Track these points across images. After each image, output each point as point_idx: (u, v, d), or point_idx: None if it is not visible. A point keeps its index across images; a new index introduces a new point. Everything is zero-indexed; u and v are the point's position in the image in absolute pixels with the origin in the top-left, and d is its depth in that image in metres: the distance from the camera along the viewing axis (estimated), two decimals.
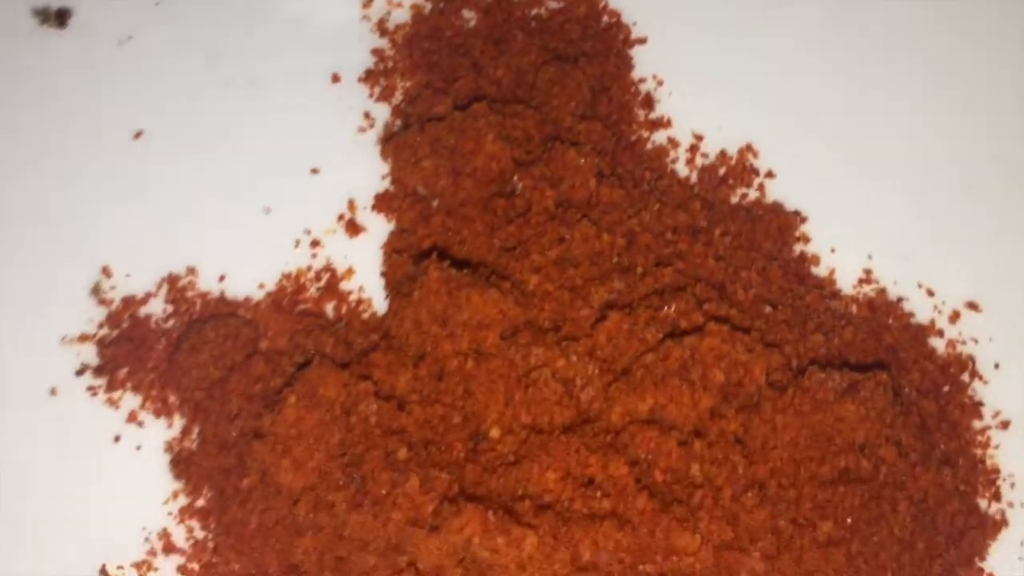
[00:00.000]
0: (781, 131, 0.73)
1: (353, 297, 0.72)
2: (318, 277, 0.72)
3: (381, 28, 0.76)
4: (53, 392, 0.69)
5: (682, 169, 0.74)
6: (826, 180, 0.73)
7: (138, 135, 0.72)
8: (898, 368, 0.68)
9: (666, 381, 0.64)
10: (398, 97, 0.75)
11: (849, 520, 0.64)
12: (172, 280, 0.72)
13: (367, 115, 0.74)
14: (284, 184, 0.73)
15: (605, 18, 0.77)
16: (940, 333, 0.71)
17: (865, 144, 0.73)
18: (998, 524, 0.68)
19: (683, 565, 0.62)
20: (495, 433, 0.65)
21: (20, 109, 0.72)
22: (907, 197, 0.72)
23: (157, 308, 0.71)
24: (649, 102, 0.75)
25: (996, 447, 0.69)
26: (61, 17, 0.73)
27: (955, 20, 0.76)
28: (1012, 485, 0.68)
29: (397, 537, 0.63)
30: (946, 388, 0.70)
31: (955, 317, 0.71)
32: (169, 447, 0.69)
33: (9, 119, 0.72)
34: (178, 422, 0.69)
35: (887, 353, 0.70)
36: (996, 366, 0.70)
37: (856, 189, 0.73)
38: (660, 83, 0.75)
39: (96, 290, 0.71)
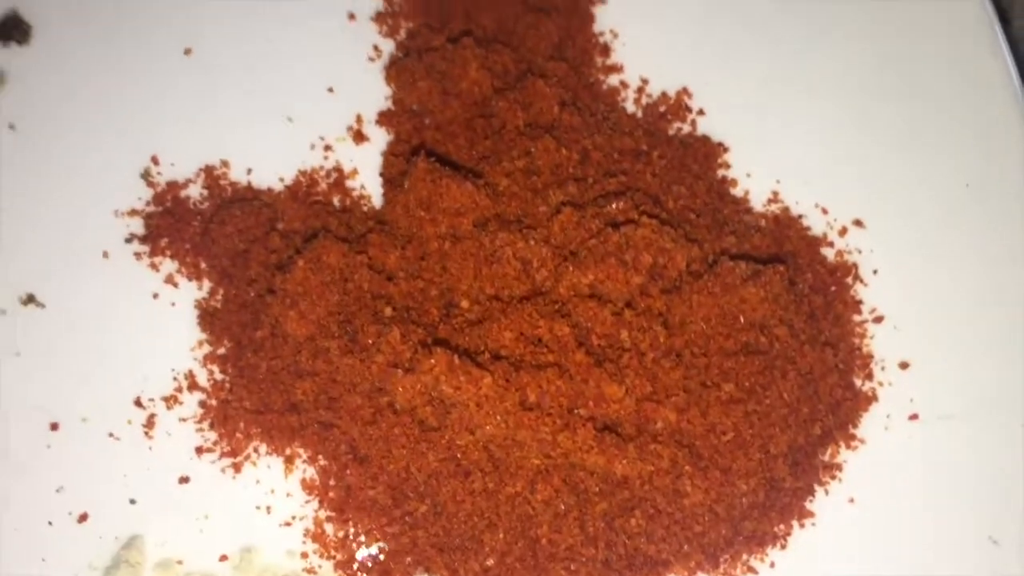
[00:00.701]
0: (712, 78, 0.72)
1: (356, 193, 0.70)
2: (328, 175, 0.70)
3: None
4: (106, 255, 0.68)
5: (630, 107, 0.72)
6: (747, 119, 0.71)
7: (188, 51, 0.71)
8: (795, 269, 0.67)
9: (604, 261, 0.63)
10: (402, 35, 0.73)
11: (747, 384, 0.64)
12: (208, 170, 0.70)
13: (376, 47, 0.73)
14: (305, 98, 0.72)
15: None
16: (831, 244, 0.70)
17: (779, 89, 0.72)
18: (869, 399, 0.67)
19: (610, 411, 0.62)
20: (465, 303, 0.65)
21: (93, 23, 0.71)
22: (811, 135, 0.71)
23: (195, 192, 0.70)
24: (606, 51, 0.74)
25: (871, 337, 0.68)
26: None
27: None
28: (883, 368, 0.67)
29: (379, 379, 0.63)
30: (833, 288, 0.69)
31: (843, 232, 0.70)
32: (198, 304, 0.68)
33: (85, 30, 0.71)
34: (206, 284, 0.68)
35: (787, 257, 0.68)
36: (874, 272, 0.69)
37: (771, 127, 0.72)
38: (616, 36, 0.74)
39: (146, 174, 0.70)
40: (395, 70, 0.71)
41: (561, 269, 0.64)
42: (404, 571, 0.64)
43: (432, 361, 0.60)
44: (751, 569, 0.64)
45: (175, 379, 0.66)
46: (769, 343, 0.64)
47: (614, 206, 0.65)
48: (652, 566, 0.64)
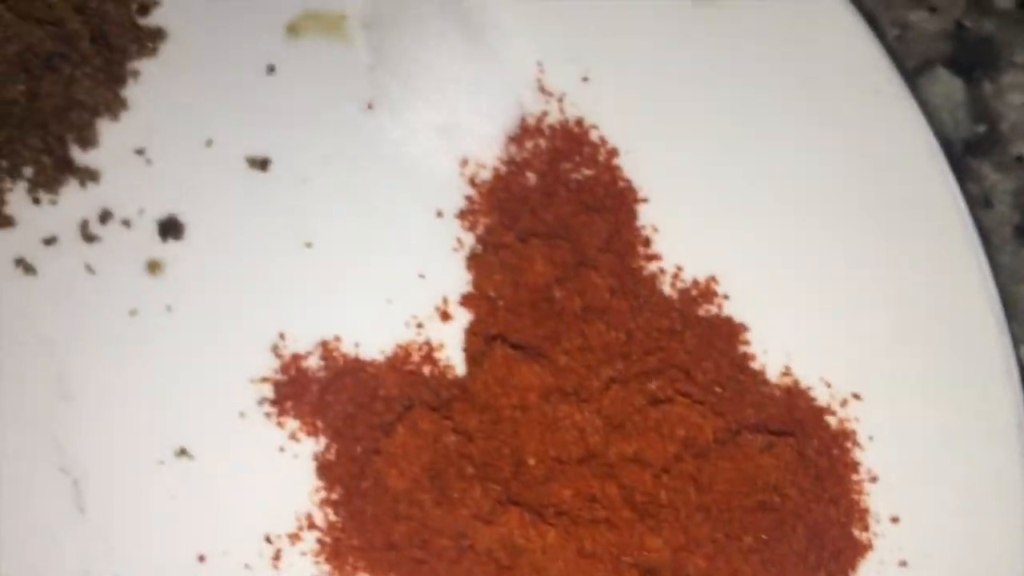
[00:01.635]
0: (736, 268, 0.82)
1: (443, 363, 0.80)
2: (420, 348, 0.80)
3: (471, 181, 0.84)
4: (242, 415, 0.79)
5: (667, 289, 0.82)
6: (766, 303, 0.81)
7: (308, 245, 0.82)
8: (803, 435, 0.77)
9: (646, 434, 0.74)
10: (480, 229, 0.83)
11: (763, 536, 0.73)
12: (324, 344, 0.80)
13: (459, 240, 0.83)
14: (403, 283, 0.82)
15: (621, 184, 0.84)
16: (833, 413, 0.79)
17: (797, 279, 0.82)
18: (865, 547, 0.76)
19: (650, 558, 0.72)
20: (532, 461, 0.75)
21: (233, 222, 0.84)
22: (821, 320, 0.80)
23: (313, 363, 0.80)
24: (647, 242, 0.83)
25: (868, 494, 0.76)
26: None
27: None
28: (877, 521, 0.76)
29: (463, 526, 0.73)
30: (835, 451, 0.77)
31: (844, 403, 0.79)
32: (315, 457, 0.78)
33: (227, 230, 0.83)
34: (323, 440, 0.78)
35: (796, 424, 0.78)
36: (870, 438, 0.78)
37: (785, 311, 0.81)
38: (655, 229, 0.83)
39: (275, 348, 0.80)
40: (475, 263, 0.82)
41: (611, 438, 0.75)
42: None
43: (507, 517, 0.72)
44: None
45: (297, 519, 0.77)
46: (782, 501, 0.74)
47: (653, 385, 0.76)
48: None
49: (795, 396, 0.79)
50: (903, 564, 0.76)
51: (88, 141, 0.84)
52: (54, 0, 0.82)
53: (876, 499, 0.77)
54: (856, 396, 0.80)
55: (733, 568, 0.73)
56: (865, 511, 0.77)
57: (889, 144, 0.82)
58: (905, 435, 0.79)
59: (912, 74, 0.94)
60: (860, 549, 0.76)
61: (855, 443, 0.78)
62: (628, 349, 0.79)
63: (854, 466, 0.78)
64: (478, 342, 0.80)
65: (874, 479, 0.78)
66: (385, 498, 0.76)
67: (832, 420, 0.79)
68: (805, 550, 0.74)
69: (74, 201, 0.84)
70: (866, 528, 0.77)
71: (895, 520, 0.77)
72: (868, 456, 0.78)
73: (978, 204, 0.91)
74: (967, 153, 0.94)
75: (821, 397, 0.80)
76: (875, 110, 0.84)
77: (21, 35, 0.80)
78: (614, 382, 0.77)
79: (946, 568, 0.76)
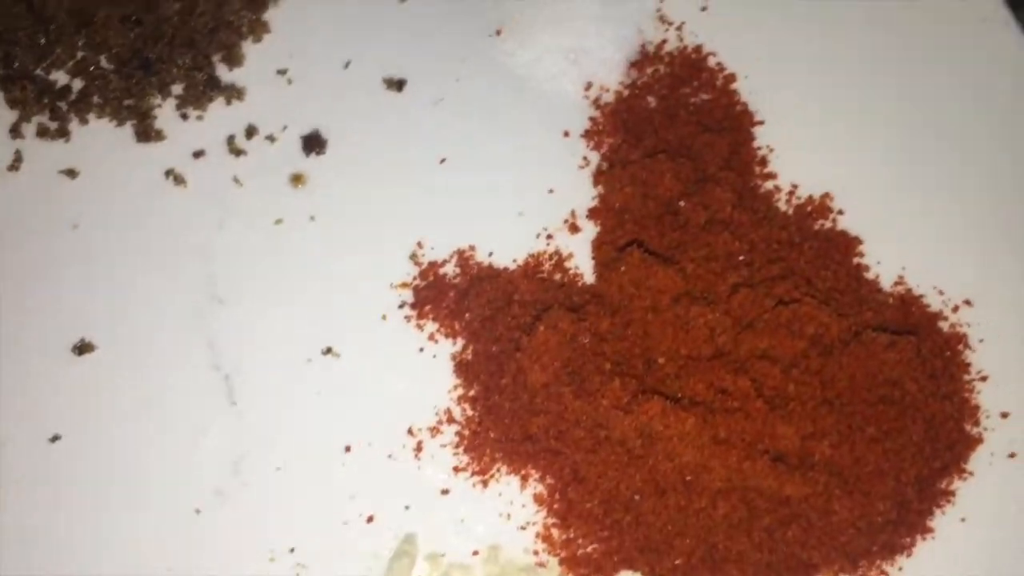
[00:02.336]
0: (849, 185, 0.86)
1: (572, 272, 0.84)
2: (551, 258, 0.84)
3: (595, 103, 0.89)
4: (384, 318, 0.83)
5: (783, 206, 0.86)
6: (879, 218, 0.85)
7: (442, 160, 0.87)
8: (919, 338, 0.80)
9: (776, 331, 0.78)
10: (605, 148, 0.87)
11: (884, 427, 0.77)
12: (460, 253, 0.84)
13: (584, 158, 0.87)
14: (533, 197, 0.86)
15: (738, 107, 0.89)
16: (946, 318, 0.83)
17: (908, 194, 0.85)
18: (977, 440, 0.80)
19: (780, 446, 0.76)
20: (662, 360, 0.79)
21: (373, 138, 0.88)
22: (932, 231, 0.85)
23: (450, 270, 0.84)
24: (764, 162, 0.87)
25: (978, 392, 0.81)
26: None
27: None
28: (987, 417, 0.80)
29: (603, 418, 0.77)
30: (948, 353, 0.81)
31: (956, 309, 0.83)
32: (453, 357, 0.82)
33: (368, 145, 0.87)
34: (460, 341, 0.82)
35: (911, 328, 0.81)
36: (980, 340, 0.82)
37: (898, 223, 0.85)
38: (771, 150, 0.88)
39: (413, 256, 0.85)
40: (603, 177, 0.86)
41: (741, 336, 0.79)
42: (613, 567, 0.78)
43: (648, 405, 0.76)
44: (883, 572, 0.78)
45: (437, 415, 0.81)
46: (901, 396, 0.78)
47: (780, 287, 0.80)
48: (804, 568, 0.78)
49: (909, 303, 0.84)
50: (1012, 456, 0.81)
51: (234, 60, 0.89)
52: None
53: (986, 397, 0.81)
54: (967, 303, 0.84)
55: (856, 456, 0.77)
56: (976, 408, 0.81)
57: (997, 65, 0.87)
58: (1013, 338, 0.83)
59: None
60: (972, 443, 0.80)
61: (967, 345, 0.83)
62: (751, 258, 0.83)
63: (966, 366, 0.82)
64: (608, 251, 0.85)
65: (984, 378, 0.82)
66: (523, 393, 0.80)
67: (944, 325, 0.83)
68: (922, 442, 0.78)
69: (221, 117, 0.89)
70: (977, 423, 0.81)
71: (1004, 416, 0.81)
72: (979, 358, 0.82)
73: None
74: None
75: (934, 304, 0.84)
76: (980, 36, 0.88)
77: None
78: (741, 286, 0.81)
79: None
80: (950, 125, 0.88)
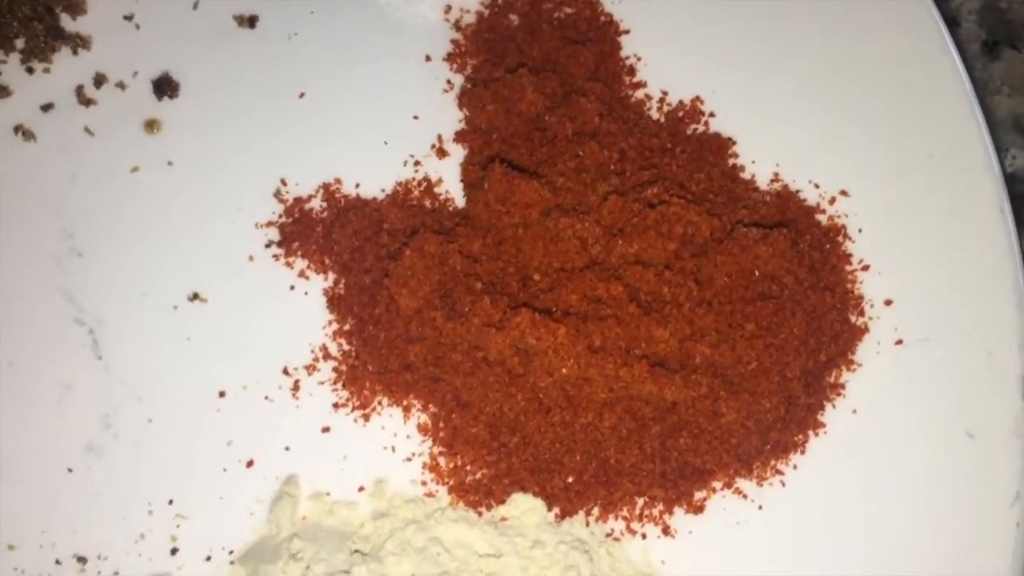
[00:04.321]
0: (719, 87, 0.85)
1: (443, 197, 0.83)
2: (420, 184, 0.83)
3: (456, 26, 0.87)
4: (251, 258, 0.81)
5: (655, 114, 0.85)
6: (749, 117, 0.84)
7: (302, 95, 0.85)
8: (796, 232, 0.80)
9: (645, 233, 0.77)
10: (468, 70, 0.86)
11: (764, 323, 0.76)
12: (326, 186, 0.83)
13: (448, 81, 0.86)
14: (398, 125, 0.84)
15: (603, 18, 0.88)
16: (823, 211, 0.82)
17: (774, 91, 0.85)
18: (862, 330, 0.79)
19: (658, 350, 0.75)
20: (536, 276, 0.78)
21: (225, 78, 0.85)
22: (802, 126, 0.84)
23: (316, 204, 0.82)
24: (632, 71, 0.86)
25: (860, 282, 0.80)
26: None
27: None
28: (871, 306, 0.80)
29: (476, 337, 0.75)
30: (827, 245, 0.80)
31: (832, 201, 0.82)
32: (325, 292, 0.81)
33: (220, 85, 0.85)
34: (331, 276, 0.81)
35: (789, 223, 0.80)
36: (859, 231, 0.81)
37: (769, 122, 0.84)
38: (639, 59, 0.87)
39: (277, 193, 0.83)
40: (467, 98, 0.85)
41: (612, 243, 0.77)
42: (503, 491, 0.77)
43: (518, 319, 0.74)
44: (778, 471, 0.77)
45: (312, 352, 0.79)
46: (780, 290, 0.77)
47: (650, 191, 0.79)
48: (699, 475, 0.77)
49: (785, 198, 0.83)
50: (899, 343, 0.80)
51: (77, 8, 0.86)
52: None
53: (869, 286, 0.81)
54: (844, 193, 0.83)
55: (737, 354, 0.76)
56: (860, 298, 0.81)
57: None
58: (892, 226, 0.82)
59: None
60: (857, 333, 0.80)
61: (846, 236, 0.82)
62: (622, 167, 0.82)
63: (846, 256, 0.82)
64: (475, 171, 0.83)
65: (866, 268, 0.82)
66: (397, 322, 0.78)
67: (822, 218, 0.83)
68: (804, 335, 0.77)
69: (68, 68, 0.86)
70: (861, 313, 0.81)
71: (888, 303, 0.81)
72: (859, 248, 0.82)
73: (947, 24, 0.94)
74: None
75: (811, 197, 0.83)
76: None
77: None
78: (611, 194, 0.80)
79: (939, 344, 0.79)
80: (818, 22, 0.87)
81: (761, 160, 0.84)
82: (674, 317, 0.76)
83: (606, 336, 0.75)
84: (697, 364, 0.76)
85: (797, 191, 0.84)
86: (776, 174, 0.84)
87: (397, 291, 0.78)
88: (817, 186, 0.84)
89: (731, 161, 0.85)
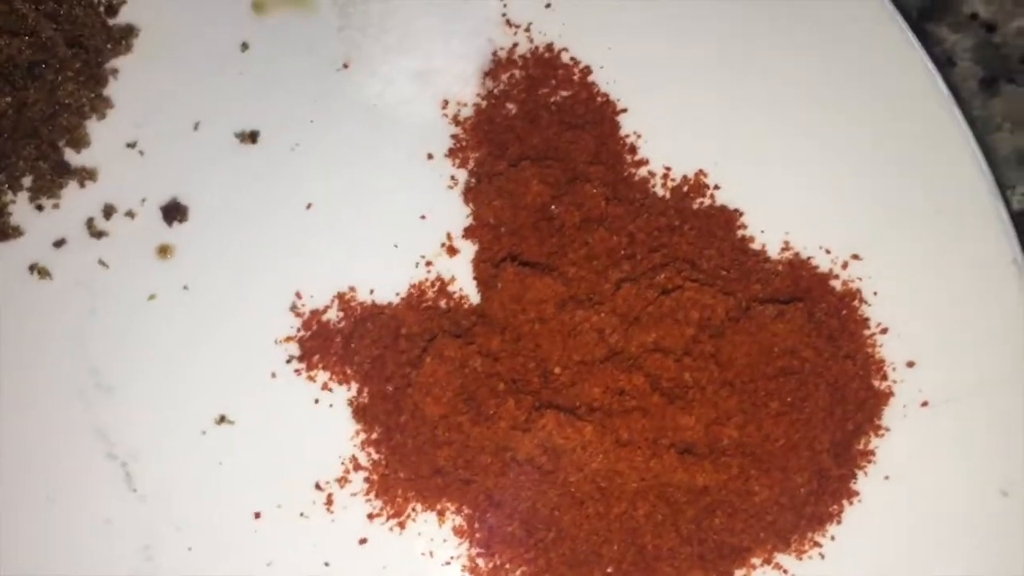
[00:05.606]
0: (722, 159, 0.85)
1: (456, 295, 0.83)
2: (433, 284, 0.83)
3: (455, 120, 0.87)
4: (274, 375, 0.82)
5: (659, 191, 0.85)
6: (755, 187, 0.84)
7: (309, 206, 0.85)
8: (811, 302, 0.80)
9: (662, 322, 0.77)
10: (471, 164, 0.86)
11: (789, 399, 0.76)
12: (341, 296, 0.83)
13: (452, 177, 0.86)
14: (406, 226, 0.84)
15: (599, 98, 0.87)
16: (836, 277, 0.82)
17: (779, 160, 0.84)
18: (887, 395, 0.79)
19: (685, 436, 0.75)
20: (557, 370, 0.78)
21: (234, 197, 0.86)
22: (810, 193, 0.83)
23: (333, 315, 0.83)
24: (633, 150, 0.86)
25: (880, 346, 0.80)
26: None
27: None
28: (894, 369, 0.79)
29: (503, 440, 0.76)
30: (844, 311, 0.80)
31: (845, 265, 0.82)
32: (350, 402, 0.81)
33: (229, 205, 0.85)
34: (354, 386, 0.81)
35: (803, 293, 0.80)
36: (875, 293, 0.81)
37: (776, 190, 0.84)
38: (639, 136, 0.86)
39: (293, 307, 0.83)
40: (473, 194, 0.85)
41: (629, 332, 0.77)
42: None
43: (544, 421, 0.74)
44: (816, 543, 0.78)
45: (343, 463, 0.80)
46: (800, 364, 0.77)
47: (662, 276, 0.79)
48: (737, 553, 0.77)
49: (797, 267, 0.83)
50: (925, 404, 0.80)
51: (80, 142, 0.87)
52: (26, 11, 0.84)
53: (890, 349, 0.81)
54: (856, 257, 0.83)
55: (764, 433, 0.76)
56: (881, 361, 0.81)
57: (853, 21, 0.85)
58: (907, 286, 0.82)
59: None
60: (882, 397, 0.80)
61: (862, 300, 0.82)
62: (632, 250, 0.82)
63: (864, 321, 0.81)
64: (488, 268, 0.83)
65: (884, 331, 0.82)
66: (424, 428, 0.79)
67: (836, 284, 0.83)
68: (830, 406, 0.77)
69: (76, 202, 0.87)
70: (884, 377, 0.80)
71: (911, 365, 0.80)
72: (876, 311, 0.82)
73: (941, 64, 0.93)
74: (922, 19, 0.97)
75: (823, 264, 0.83)
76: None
77: (0, 48, 0.82)
78: (624, 282, 0.80)
79: (966, 404, 0.79)
80: (816, 86, 0.87)
81: (770, 229, 0.84)
82: (698, 402, 0.76)
83: (633, 429, 0.75)
84: (725, 446, 0.76)
85: (808, 258, 0.83)
86: (786, 242, 0.84)
87: (422, 399, 0.78)
88: (828, 251, 0.83)
89: (739, 232, 0.85)
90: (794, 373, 0.77)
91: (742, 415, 0.76)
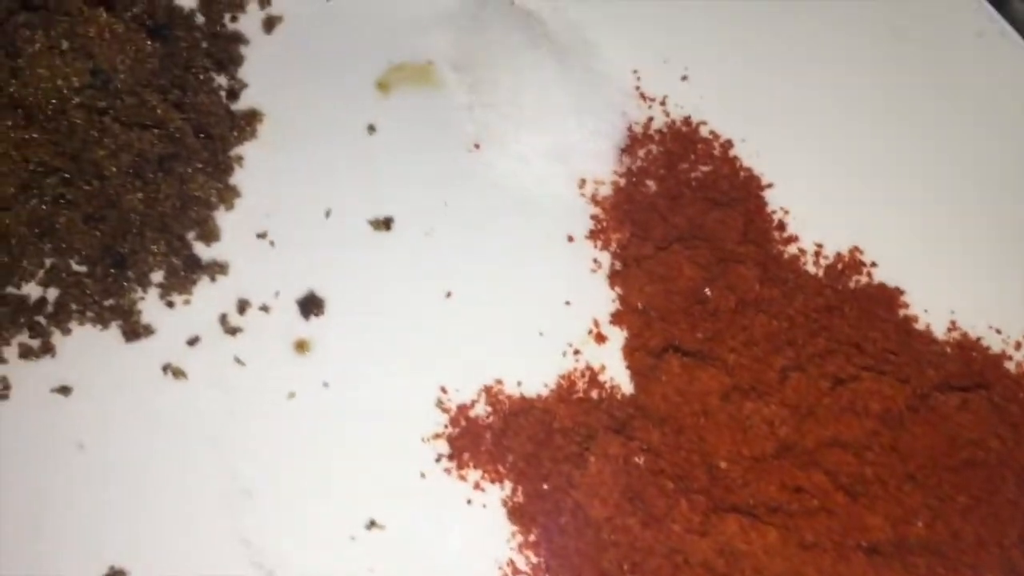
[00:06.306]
0: (877, 233, 0.82)
1: (608, 385, 0.80)
2: (583, 374, 0.80)
3: (594, 199, 0.84)
4: (423, 475, 0.78)
5: (811, 268, 0.82)
6: (916, 264, 0.81)
7: (449, 295, 0.82)
8: (987, 385, 0.77)
9: (842, 415, 0.74)
10: (613, 245, 0.83)
11: (975, 492, 0.73)
12: (487, 389, 0.80)
13: (595, 260, 0.83)
14: (550, 313, 0.81)
15: (742, 174, 0.85)
16: (1009, 357, 0.79)
17: (943, 234, 0.82)
18: None
19: (872, 536, 0.72)
20: (724, 464, 0.75)
21: (370, 295, 0.84)
22: (977, 269, 0.81)
23: (480, 410, 0.80)
24: (781, 226, 0.83)
25: None
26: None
27: None
28: None
29: (676, 542, 0.72)
30: (1021, 394, 0.77)
31: (1019, 345, 0.79)
32: (504, 502, 0.77)
33: (366, 302, 0.83)
34: (508, 484, 0.77)
35: (977, 376, 0.77)
36: None
37: (940, 267, 0.81)
38: (787, 212, 0.84)
39: (439, 403, 0.80)
40: (620, 279, 0.82)
41: (803, 426, 0.74)
42: None
43: (725, 526, 0.71)
44: None
45: (500, 568, 0.76)
46: (985, 455, 0.74)
47: (833, 365, 0.76)
48: None
49: (968, 348, 0.79)
50: None
51: (211, 235, 0.84)
52: (155, 102, 0.81)
53: None
54: None
55: (954, 529, 0.73)
56: None
57: (1009, 90, 0.82)
58: None
59: None
60: None
61: None
62: (793, 335, 0.79)
63: None
64: (643, 357, 0.80)
65: None
66: (587, 530, 0.75)
67: (1010, 365, 0.79)
68: (1018, 496, 0.74)
69: (208, 297, 0.83)
70: None
71: None
72: None
73: None
74: None
75: (994, 344, 0.80)
76: (981, 53, 0.83)
77: (132, 143, 0.79)
78: (790, 370, 0.77)
79: None
80: (968, 150, 0.84)
81: (934, 308, 0.81)
82: (883, 499, 0.73)
83: (817, 530, 0.72)
84: (913, 545, 0.73)
85: (978, 338, 0.80)
86: (953, 322, 0.81)
87: (588, 502, 0.75)
88: (999, 331, 0.80)
89: (902, 312, 0.81)
90: (980, 464, 0.74)
91: (929, 511, 0.73)
